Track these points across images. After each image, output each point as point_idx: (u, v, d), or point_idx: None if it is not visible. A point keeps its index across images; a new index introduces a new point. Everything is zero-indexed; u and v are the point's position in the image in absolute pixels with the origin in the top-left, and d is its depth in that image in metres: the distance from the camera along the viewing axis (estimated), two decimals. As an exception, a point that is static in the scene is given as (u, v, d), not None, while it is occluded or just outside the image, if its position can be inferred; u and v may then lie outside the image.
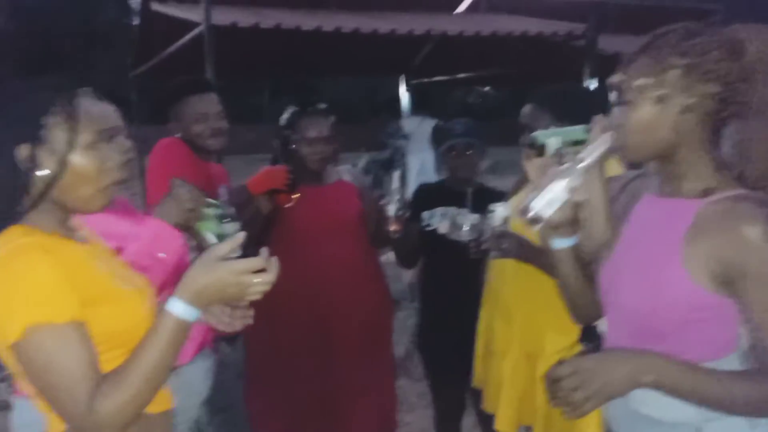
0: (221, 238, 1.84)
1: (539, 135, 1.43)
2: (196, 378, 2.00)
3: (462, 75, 10.13)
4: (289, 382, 2.62)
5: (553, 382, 1.20)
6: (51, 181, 1.20)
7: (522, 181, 2.33)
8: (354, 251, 2.66)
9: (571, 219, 1.35)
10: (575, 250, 1.42)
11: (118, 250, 1.58)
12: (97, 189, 1.24)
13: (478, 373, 2.43)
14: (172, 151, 2.45)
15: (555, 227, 1.36)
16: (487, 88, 26.38)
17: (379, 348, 2.76)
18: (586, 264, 1.45)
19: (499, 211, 2.18)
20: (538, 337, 2.16)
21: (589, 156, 1.32)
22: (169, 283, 1.69)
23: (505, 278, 2.24)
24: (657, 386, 1.18)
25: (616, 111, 1.30)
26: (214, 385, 2.30)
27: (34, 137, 1.18)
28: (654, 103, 1.23)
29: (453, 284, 2.63)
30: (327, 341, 2.60)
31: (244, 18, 5.57)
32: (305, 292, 2.56)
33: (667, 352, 1.21)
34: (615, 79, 1.30)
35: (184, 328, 1.20)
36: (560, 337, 2.08)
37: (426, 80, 10.50)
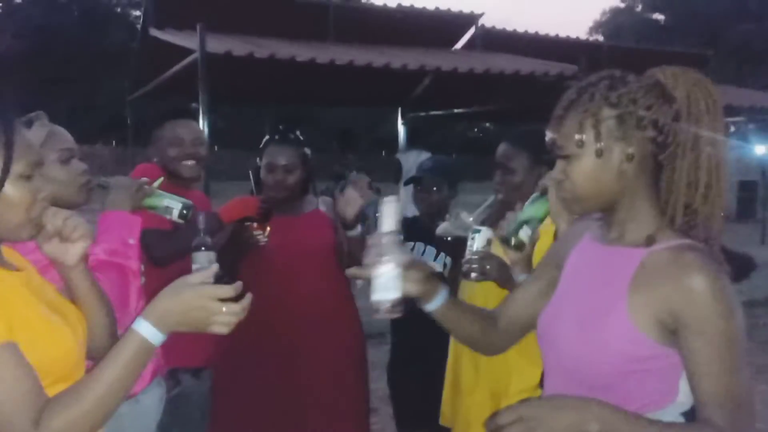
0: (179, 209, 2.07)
1: (511, 233, 1.55)
2: (152, 406, 1.98)
3: (458, 110, 10.24)
4: (256, 417, 2.59)
5: (496, 429, 1.14)
6: None
7: (499, 210, 2.34)
8: (325, 284, 2.65)
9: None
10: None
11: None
12: (27, 219, 1.23)
13: (445, 412, 2.42)
14: (146, 174, 2.47)
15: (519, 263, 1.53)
16: (487, 124, 26.61)
17: (350, 383, 2.71)
18: None
19: (483, 232, 2.20)
20: (502, 377, 2.16)
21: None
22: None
23: None
24: None
25: (557, 166, 1.32)
26: (176, 419, 2.27)
27: None
28: (595, 155, 1.25)
29: (423, 321, 2.63)
30: (295, 376, 2.58)
31: (238, 47, 5.65)
32: (274, 324, 2.55)
33: (607, 402, 1.18)
34: (549, 138, 1.32)
35: (147, 349, 1.19)
36: (524, 377, 2.08)
37: (423, 114, 10.60)
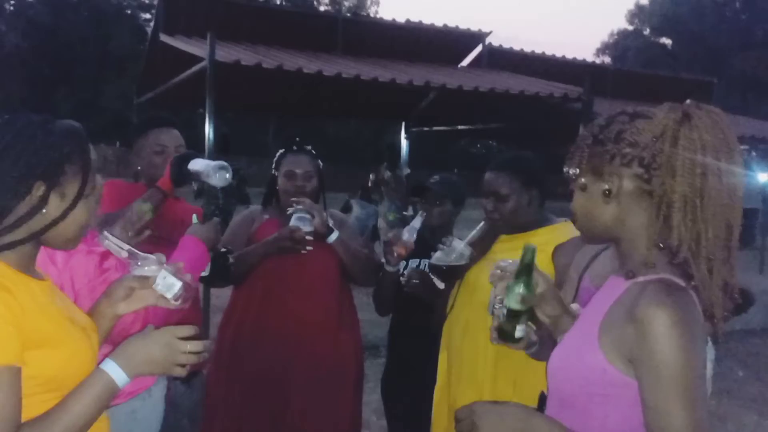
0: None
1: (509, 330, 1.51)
2: (161, 398, 2.00)
3: (462, 127, 10.28)
4: (249, 425, 2.59)
5: (456, 420, 1.32)
6: (50, 225, 1.26)
7: (490, 236, 2.37)
8: (325, 298, 2.67)
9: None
10: None
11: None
12: (81, 233, 1.32)
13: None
14: (111, 191, 2.32)
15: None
16: (490, 142, 26.69)
17: (345, 394, 2.72)
18: None
19: (456, 244, 2.24)
20: (506, 397, 2.16)
21: None
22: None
23: (471, 334, 2.25)
24: None
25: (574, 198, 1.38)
26: (165, 427, 2.28)
27: (52, 180, 1.25)
28: (581, 190, 1.32)
29: (420, 338, 2.65)
30: (290, 385, 2.59)
31: (247, 57, 5.69)
32: (273, 331, 2.57)
33: (572, 419, 1.26)
34: (564, 169, 1.36)
35: (112, 389, 1.24)
36: (527, 396, 2.08)
37: (426, 129, 10.64)
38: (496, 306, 1.52)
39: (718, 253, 1.22)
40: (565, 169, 1.34)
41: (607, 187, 1.26)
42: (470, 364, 2.25)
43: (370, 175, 9.40)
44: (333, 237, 2.59)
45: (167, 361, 1.27)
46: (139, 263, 1.43)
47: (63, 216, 1.26)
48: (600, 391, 1.25)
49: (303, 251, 2.51)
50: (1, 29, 26.28)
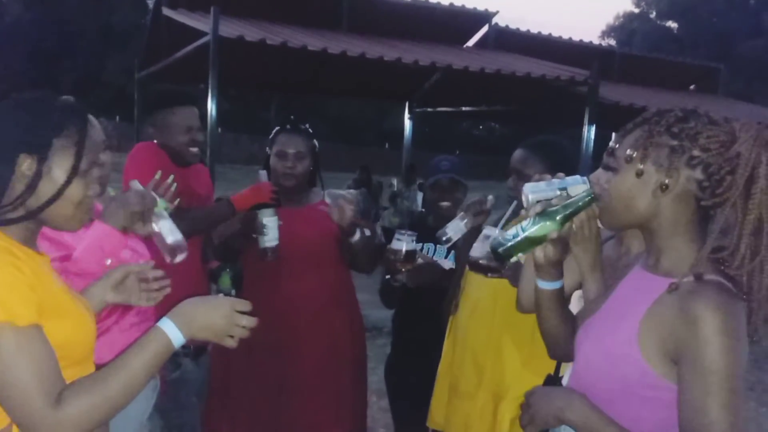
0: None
1: (510, 249, 1.40)
2: (150, 385, 1.99)
3: (466, 108, 10.23)
4: (252, 405, 2.59)
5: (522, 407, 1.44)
6: (44, 206, 1.23)
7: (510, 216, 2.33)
8: (326, 274, 2.64)
9: (555, 262, 1.43)
10: (559, 292, 1.50)
11: (65, 258, 1.60)
12: (77, 212, 1.29)
13: (436, 416, 2.41)
14: (150, 154, 2.48)
15: (540, 268, 1.45)
16: (492, 124, 26.60)
17: (349, 374, 2.70)
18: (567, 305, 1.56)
19: (457, 223, 2.22)
20: (504, 381, 2.16)
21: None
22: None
23: (477, 317, 2.24)
24: (575, 426, 1.31)
25: (600, 173, 1.34)
26: (174, 403, 2.28)
27: (40, 153, 1.22)
28: (634, 175, 1.26)
29: (425, 321, 2.63)
30: (294, 366, 2.57)
31: (251, 32, 5.63)
32: (274, 313, 2.55)
33: (591, 401, 1.29)
34: (611, 144, 1.33)
35: (168, 347, 1.25)
36: (524, 384, 2.07)
37: (430, 109, 10.58)
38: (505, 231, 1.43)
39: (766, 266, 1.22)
40: (618, 147, 1.30)
41: (666, 181, 1.23)
42: (474, 344, 2.24)
43: (393, 183, 9.59)
44: (355, 237, 2.52)
45: (222, 331, 1.29)
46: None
47: (59, 194, 1.24)
48: (638, 392, 1.24)
49: (254, 235, 2.46)
50: (2, 1, 26.07)
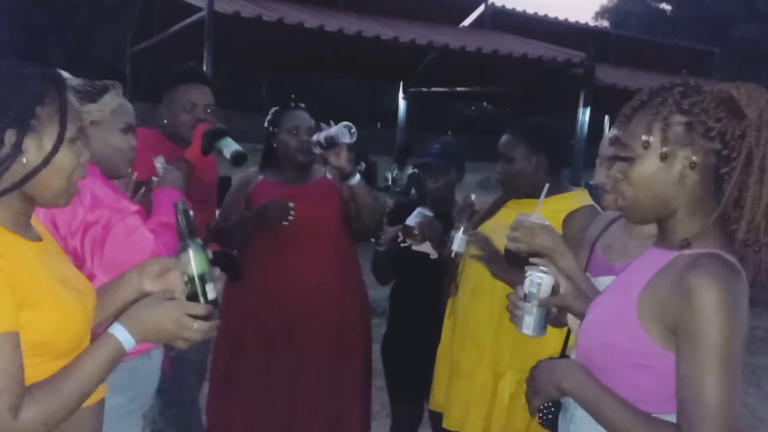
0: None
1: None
2: (159, 361, 2.00)
3: (461, 89, 10.19)
4: (257, 383, 2.58)
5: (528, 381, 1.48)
6: (31, 174, 1.19)
7: (499, 200, 2.35)
8: (332, 252, 2.64)
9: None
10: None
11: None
12: (68, 184, 1.25)
13: (437, 397, 2.43)
14: (148, 141, 2.39)
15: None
16: (485, 104, 26.54)
17: (352, 353, 2.70)
18: None
19: (458, 236, 2.22)
20: (504, 358, 2.18)
21: None
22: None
23: (478, 296, 2.25)
24: (571, 394, 1.35)
25: (616, 167, 1.31)
26: (173, 382, 2.28)
27: (23, 124, 1.17)
28: (659, 159, 1.24)
29: (421, 301, 2.64)
30: (296, 345, 2.57)
31: (246, 8, 5.57)
32: (280, 291, 2.55)
33: (589, 371, 1.32)
34: (614, 134, 1.30)
35: (119, 352, 1.24)
36: (524, 361, 2.09)
37: (425, 90, 10.54)
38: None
39: None
40: (623, 134, 1.28)
41: (694, 158, 1.22)
42: (474, 324, 2.26)
43: (393, 172, 9.62)
44: (356, 179, 2.54)
45: (173, 336, 1.28)
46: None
47: (45, 162, 1.19)
48: (635, 361, 1.24)
49: (285, 222, 2.49)
50: (-11, -27, 25.65)
